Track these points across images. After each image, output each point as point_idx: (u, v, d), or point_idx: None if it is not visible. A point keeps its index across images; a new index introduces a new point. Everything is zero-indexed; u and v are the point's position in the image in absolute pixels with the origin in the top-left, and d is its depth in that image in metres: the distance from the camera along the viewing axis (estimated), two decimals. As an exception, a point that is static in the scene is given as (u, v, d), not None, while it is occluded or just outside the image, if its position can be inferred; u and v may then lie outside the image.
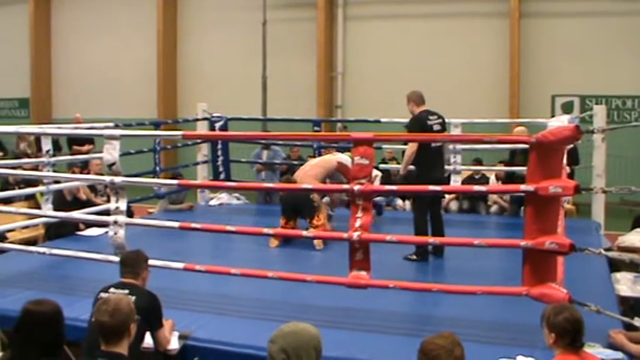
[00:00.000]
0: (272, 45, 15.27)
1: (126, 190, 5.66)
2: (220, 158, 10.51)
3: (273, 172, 11.01)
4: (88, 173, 8.65)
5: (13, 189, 9.05)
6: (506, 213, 10.07)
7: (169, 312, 4.48)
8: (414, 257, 6.74)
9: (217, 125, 10.36)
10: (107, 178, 5.68)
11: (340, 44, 16.71)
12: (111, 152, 5.56)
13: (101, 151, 5.93)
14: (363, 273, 4.83)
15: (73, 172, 8.86)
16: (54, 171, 7.71)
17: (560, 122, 7.83)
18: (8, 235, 8.24)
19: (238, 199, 10.83)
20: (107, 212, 6.36)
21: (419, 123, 6.89)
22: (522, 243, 4.55)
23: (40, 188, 7.55)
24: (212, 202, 10.53)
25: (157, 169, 9.69)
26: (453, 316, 5.03)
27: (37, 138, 11.88)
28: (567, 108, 14.57)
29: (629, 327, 4.55)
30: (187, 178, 9.38)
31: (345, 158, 8.22)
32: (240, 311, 5.17)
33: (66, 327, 3.55)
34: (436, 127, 6.89)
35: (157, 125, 10.52)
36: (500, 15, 14.98)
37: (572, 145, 7.58)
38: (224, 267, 5.44)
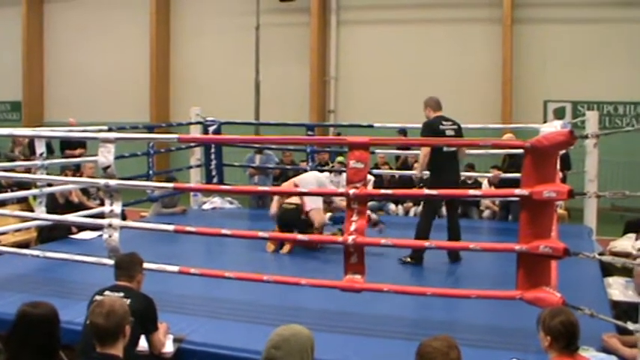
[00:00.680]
0: (265, 50, 15.28)
1: (121, 193, 5.65)
2: (214, 162, 10.51)
3: (266, 177, 11.02)
4: (81, 176, 8.63)
5: (6, 192, 9.01)
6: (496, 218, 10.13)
7: (164, 315, 4.47)
8: (409, 260, 6.78)
9: (211, 129, 10.36)
10: (102, 181, 5.67)
11: (333, 49, 16.77)
12: (106, 155, 5.55)
13: (93, 155, 5.91)
14: (358, 277, 4.84)
15: (66, 176, 8.83)
16: (47, 174, 7.67)
17: (553, 128, 7.87)
18: (1, 238, 8.21)
19: (231, 203, 10.82)
20: (101, 215, 6.36)
21: (430, 128, 6.96)
22: (517, 247, 4.57)
23: (34, 191, 7.51)
24: (205, 206, 10.52)
25: (151, 172, 9.68)
26: (447, 319, 5.05)
27: (30, 141, 11.88)
28: (559, 113, 14.65)
29: (622, 331, 4.58)
30: (180, 182, 9.35)
31: (301, 178, 8.03)
32: (235, 315, 5.17)
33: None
34: (448, 133, 6.93)
35: (150, 129, 10.49)
36: (493, 21, 15.07)
37: (564, 151, 7.63)
38: (219, 270, 5.43)
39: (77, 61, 18.87)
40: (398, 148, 11.73)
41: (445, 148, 6.90)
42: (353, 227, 4.81)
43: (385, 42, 16.08)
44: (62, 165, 9.97)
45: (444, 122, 6.98)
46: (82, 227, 8.02)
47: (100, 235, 6.64)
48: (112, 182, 5.56)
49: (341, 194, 5.12)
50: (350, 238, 4.78)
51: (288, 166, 11.53)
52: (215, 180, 10.45)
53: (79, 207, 8.55)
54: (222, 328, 4.86)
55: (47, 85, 19.63)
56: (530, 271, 4.55)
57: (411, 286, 4.98)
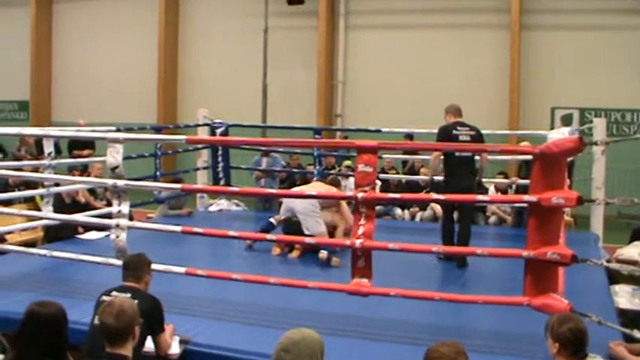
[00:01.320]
0: (273, 52, 15.30)
1: (128, 193, 5.66)
2: (221, 164, 10.51)
3: (272, 180, 11.01)
4: (88, 177, 8.64)
5: (13, 191, 9.03)
6: (505, 224, 10.09)
7: (170, 317, 4.46)
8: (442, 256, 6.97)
9: (218, 131, 10.36)
10: (110, 181, 5.68)
11: (341, 53, 16.76)
12: (114, 155, 5.56)
13: (102, 156, 5.92)
14: (365, 280, 4.84)
15: (74, 176, 8.85)
16: (55, 174, 7.68)
17: (561, 134, 7.87)
18: (7, 237, 8.23)
19: (237, 205, 10.82)
20: (108, 216, 6.36)
21: (444, 132, 6.98)
22: (524, 253, 4.56)
23: (41, 191, 7.53)
24: (211, 208, 10.53)
25: (158, 173, 9.69)
26: (454, 325, 5.04)
27: (38, 140, 11.92)
28: (567, 120, 14.62)
29: (629, 339, 4.56)
30: (187, 184, 9.36)
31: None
32: (241, 317, 5.16)
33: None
34: (462, 138, 6.92)
35: (158, 130, 10.49)
36: (501, 27, 15.05)
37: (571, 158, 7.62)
38: (226, 272, 5.43)
39: (85, 62, 18.91)
40: (405, 153, 11.72)
41: (457, 153, 6.91)
42: (361, 231, 4.80)
43: (393, 47, 16.07)
44: (70, 165, 10.00)
45: (459, 127, 6.99)
46: (88, 227, 8.03)
47: (107, 236, 6.68)
48: (120, 183, 5.57)
49: (349, 197, 5.11)
50: (357, 242, 4.78)
51: (295, 170, 11.53)
52: (222, 182, 10.45)
53: (85, 207, 8.58)
54: (229, 330, 4.86)
55: (55, 85, 19.68)
56: (537, 277, 4.54)
57: (418, 291, 4.96)
